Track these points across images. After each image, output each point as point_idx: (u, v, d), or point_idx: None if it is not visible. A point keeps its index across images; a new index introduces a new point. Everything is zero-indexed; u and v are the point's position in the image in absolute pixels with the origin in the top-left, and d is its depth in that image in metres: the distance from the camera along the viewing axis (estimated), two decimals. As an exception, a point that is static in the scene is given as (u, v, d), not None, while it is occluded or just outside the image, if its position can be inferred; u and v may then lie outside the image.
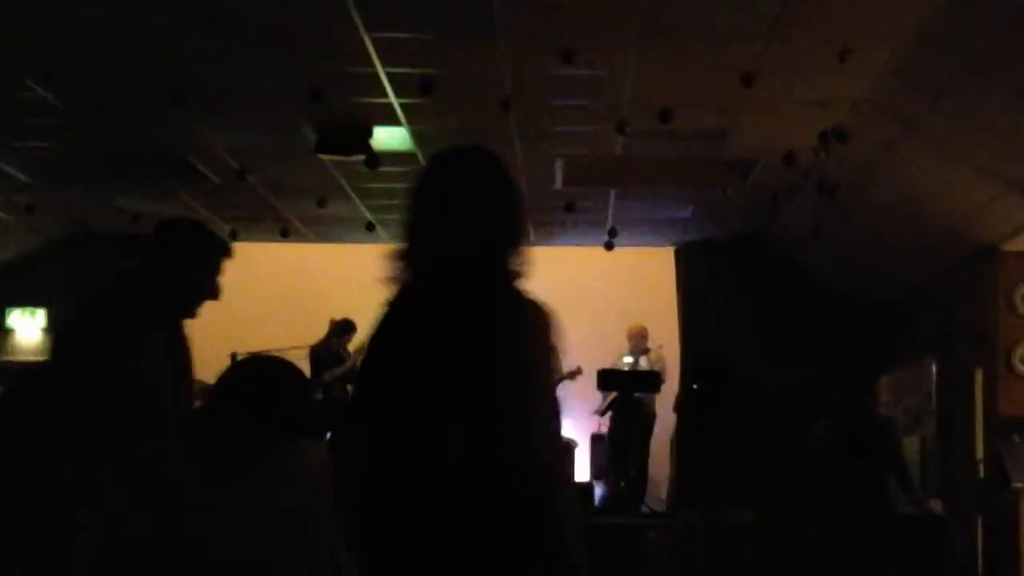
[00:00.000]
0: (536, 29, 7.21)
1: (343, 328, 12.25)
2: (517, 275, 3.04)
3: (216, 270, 4.62)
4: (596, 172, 10.64)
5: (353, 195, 11.65)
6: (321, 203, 11.29)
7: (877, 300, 12.66)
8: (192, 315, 4.60)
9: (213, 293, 4.61)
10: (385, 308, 3.07)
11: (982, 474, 9.80)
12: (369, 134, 9.28)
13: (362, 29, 7.22)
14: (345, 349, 12.32)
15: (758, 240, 12.96)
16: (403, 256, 3.07)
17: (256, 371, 3.32)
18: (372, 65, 7.84)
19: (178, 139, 9.79)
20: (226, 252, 4.66)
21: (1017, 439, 9.30)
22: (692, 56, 7.61)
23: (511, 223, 3.09)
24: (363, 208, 12.17)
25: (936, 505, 8.25)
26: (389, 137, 9.47)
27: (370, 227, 12.31)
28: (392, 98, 8.56)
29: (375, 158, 9.32)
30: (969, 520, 9.97)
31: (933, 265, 10.80)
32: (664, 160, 10.26)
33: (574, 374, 12.44)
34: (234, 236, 12.37)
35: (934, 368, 11.11)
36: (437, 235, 3.06)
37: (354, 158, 9.56)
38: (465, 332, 2.93)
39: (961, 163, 8.57)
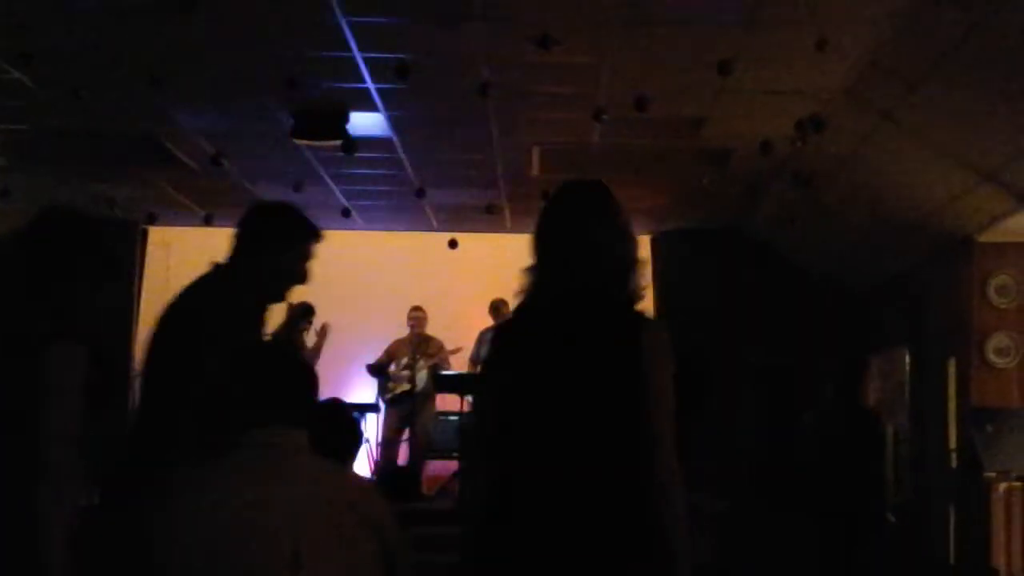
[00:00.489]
0: (513, 15, 7.19)
1: (302, 312, 12.14)
2: (637, 297, 3.52)
3: (307, 255, 4.60)
4: (573, 160, 10.63)
5: (329, 180, 11.62)
6: (297, 188, 11.25)
7: (853, 289, 12.70)
8: (281, 299, 4.61)
9: (301, 278, 4.60)
10: (516, 324, 3.56)
11: (955, 464, 9.85)
12: (345, 119, 9.26)
13: (339, 13, 7.19)
14: (304, 334, 12.20)
15: (735, 229, 12.98)
16: (535, 277, 3.52)
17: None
18: (348, 50, 7.81)
19: (153, 124, 9.74)
20: (317, 236, 4.63)
21: (990, 429, 9.34)
22: (669, 44, 7.61)
23: (632, 252, 3.54)
24: (339, 194, 12.15)
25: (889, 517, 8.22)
26: (365, 122, 9.44)
27: (346, 213, 12.28)
28: (369, 83, 8.53)
29: (351, 143, 9.30)
30: (942, 510, 10.02)
31: (908, 255, 10.83)
32: (641, 148, 10.26)
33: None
34: (209, 221, 12.32)
35: (907, 358, 11.16)
36: (570, 262, 3.47)
37: (330, 143, 9.53)
38: (606, 350, 3.36)
39: (937, 153, 8.59)
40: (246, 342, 4.10)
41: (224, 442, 3.16)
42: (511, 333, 3.58)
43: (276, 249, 4.57)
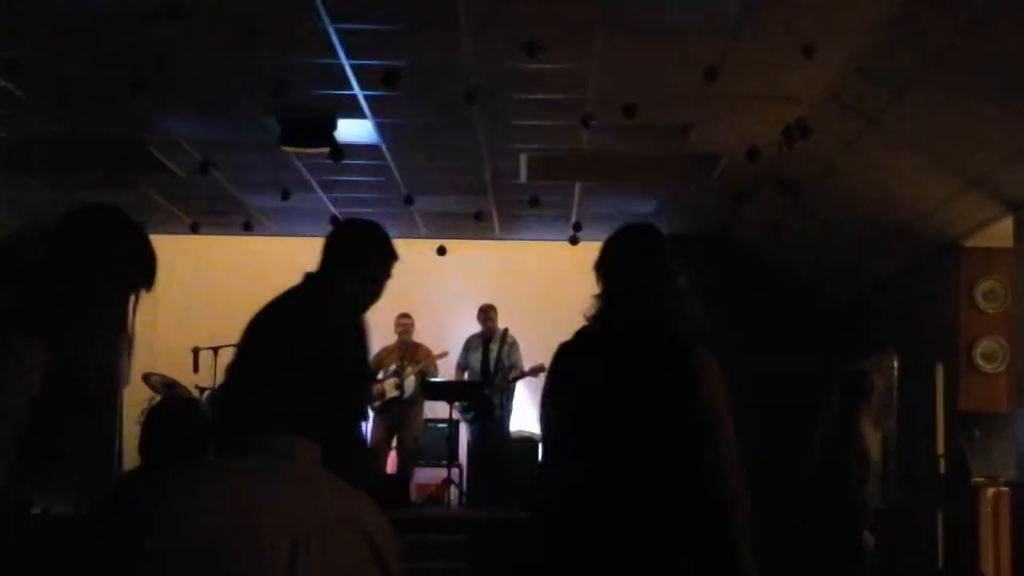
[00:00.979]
0: (501, 22, 7.20)
1: None
2: (688, 326, 3.94)
3: (390, 275, 4.70)
4: (561, 166, 10.64)
5: (317, 188, 11.61)
6: (284, 196, 11.24)
7: (840, 294, 12.72)
8: (362, 314, 4.72)
9: (379, 296, 4.75)
10: (578, 345, 3.99)
11: (943, 469, 9.86)
12: (333, 126, 9.25)
13: (327, 20, 7.19)
14: None
15: (723, 234, 12.99)
16: (599, 306, 3.96)
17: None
18: (336, 57, 7.81)
19: (140, 131, 9.72)
20: (397, 257, 4.72)
21: (977, 434, 9.35)
22: (656, 50, 7.62)
23: (678, 289, 3.99)
24: (327, 201, 12.13)
25: (868, 539, 8.10)
26: (353, 129, 9.43)
27: (334, 220, 12.27)
28: (356, 90, 8.52)
29: (339, 151, 9.29)
30: (930, 515, 10.03)
31: (895, 260, 10.85)
32: (629, 155, 10.27)
33: (536, 371, 12.44)
34: (196, 229, 12.31)
35: (896, 363, 11.17)
36: (624, 298, 3.93)
37: (318, 151, 9.52)
38: (666, 377, 3.77)
39: (924, 159, 8.60)
40: (332, 358, 4.13)
41: (237, 444, 3.18)
42: (574, 353, 4.01)
43: (371, 270, 4.67)
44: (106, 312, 3.58)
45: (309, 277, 4.70)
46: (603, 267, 4.05)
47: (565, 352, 4.05)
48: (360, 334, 4.62)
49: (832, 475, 7.70)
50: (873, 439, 7.72)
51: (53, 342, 3.40)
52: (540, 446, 4.15)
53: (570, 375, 3.96)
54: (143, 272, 3.64)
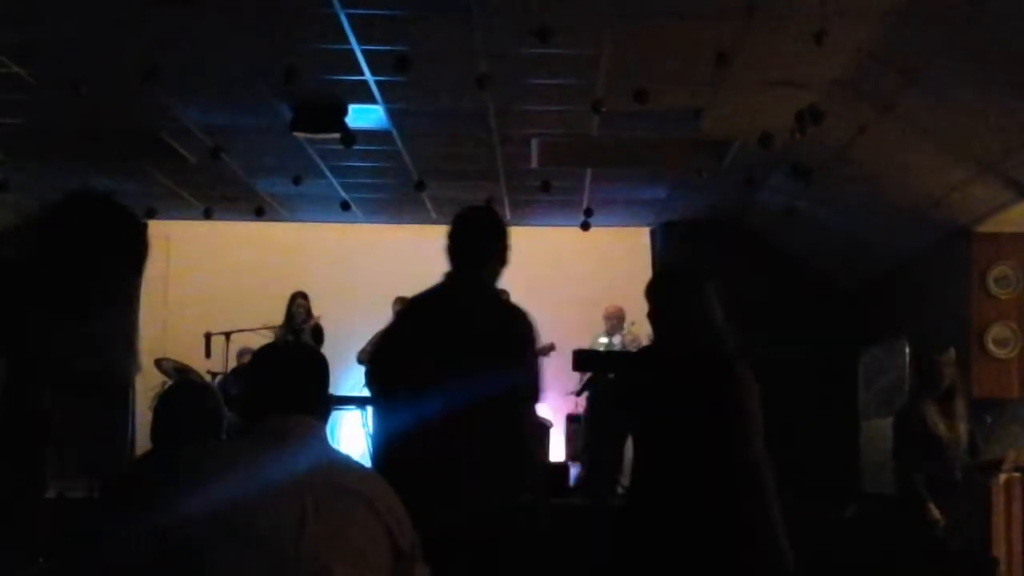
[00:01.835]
0: (512, 7, 7.19)
1: (292, 297, 11.98)
2: (727, 350, 4.77)
3: None
4: (572, 152, 10.63)
5: (328, 174, 11.62)
6: (296, 181, 11.26)
7: (852, 280, 12.70)
8: None
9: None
10: (646, 366, 4.92)
11: (955, 454, 9.83)
12: (344, 112, 9.25)
13: (337, 6, 7.19)
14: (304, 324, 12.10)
15: (734, 220, 12.97)
16: (659, 337, 4.93)
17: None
18: (347, 42, 7.81)
19: (152, 117, 9.73)
20: None
21: (989, 420, 9.34)
22: (668, 35, 7.60)
23: (715, 323, 4.84)
24: (338, 187, 12.14)
25: (933, 512, 8.16)
26: (364, 115, 9.44)
27: (345, 206, 12.28)
28: (367, 76, 8.53)
29: (350, 136, 9.29)
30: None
31: (907, 246, 10.83)
32: (640, 140, 10.26)
33: (547, 350, 12.44)
34: (209, 214, 12.34)
35: (907, 349, 11.15)
36: (683, 331, 4.80)
37: (329, 136, 9.53)
38: (715, 386, 4.63)
39: (936, 144, 8.59)
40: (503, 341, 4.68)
41: (247, 425, 3.27)
42: (641, 368, 4.98)
43: (502, 252, 4.89)
44: (96, 299, 3.54)
45: (452, 273, 4.91)
46: (656, 300, 4.88)
47: (634, 365, 5.02)
48: (522, 312, 4.85)
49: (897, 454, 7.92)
50: (940, 422, 7.85)
51: (17, 346, 3.34)
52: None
53: (638, 385, 4.83)
54: (134, 258, 3.61)
